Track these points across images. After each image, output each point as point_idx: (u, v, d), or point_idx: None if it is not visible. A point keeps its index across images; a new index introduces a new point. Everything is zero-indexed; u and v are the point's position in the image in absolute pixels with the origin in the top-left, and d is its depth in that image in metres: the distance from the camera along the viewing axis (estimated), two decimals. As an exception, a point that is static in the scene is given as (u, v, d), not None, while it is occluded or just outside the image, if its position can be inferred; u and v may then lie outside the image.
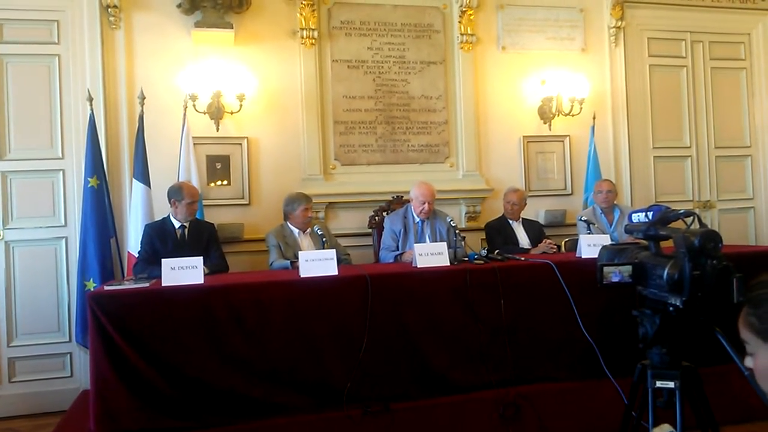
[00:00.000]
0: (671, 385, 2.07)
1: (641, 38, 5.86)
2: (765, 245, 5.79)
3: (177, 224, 4.06)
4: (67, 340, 4.44)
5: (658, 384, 2.08)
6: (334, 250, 3.47)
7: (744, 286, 1.87)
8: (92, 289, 3.90)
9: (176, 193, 4.05)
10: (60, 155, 4.51)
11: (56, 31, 4.52)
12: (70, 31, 4.53)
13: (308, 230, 4.39)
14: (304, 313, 3.18)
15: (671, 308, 1.97)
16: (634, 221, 2.23)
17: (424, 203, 4.38)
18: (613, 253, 2.25)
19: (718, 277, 1.88)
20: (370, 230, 4.96)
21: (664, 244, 2.17)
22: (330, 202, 4.99)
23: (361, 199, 5.03)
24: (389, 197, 5.00)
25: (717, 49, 6.10)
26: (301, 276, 3.27)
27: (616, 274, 2.07)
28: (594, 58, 5.68)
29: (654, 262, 2.05)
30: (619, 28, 5.69)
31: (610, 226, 4.81)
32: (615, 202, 4.94)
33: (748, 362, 1.19)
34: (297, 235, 4.37)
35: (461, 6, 5.28)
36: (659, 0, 5.87)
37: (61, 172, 4.51)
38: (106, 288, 3.13)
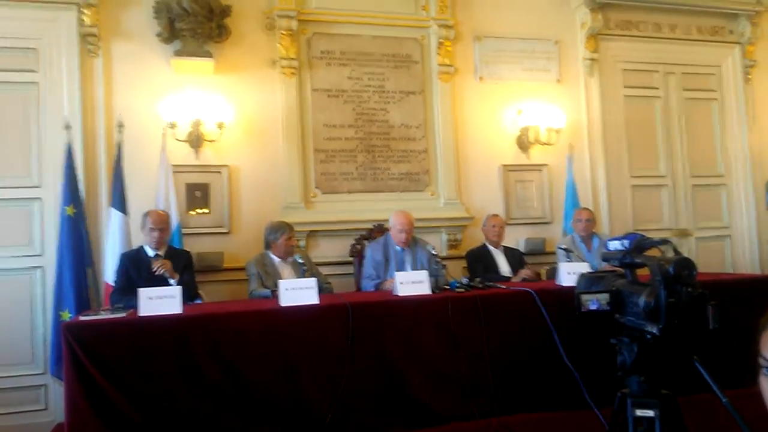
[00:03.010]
0: (651, 413, 2.07)
1: (616, 70, 5.99)
2: (741, 273, 5.87)
3: (151, 252, 4.01)
4: (42, 372, 4.34)
5: (638, 413, 2.08)
6: (315, 279, 3.45)
7: (719, 314, 1.89)
8: (67, 320, 3.83)
9: (142, 219, 4.04)
10: (37, 183, 4.46)
11: (34, 59, 4.50)
12: (48, 59, 4.51)
13: (289, 259, 4.37)
14: (284, 343, 3.15)
15: (648, 336, 1.98)
16: (611, 249, 2.25)
17: (402, 232, 4.39)
18: (590, 281, 2.26)
19: (693, 305, 1.90)
20: (351, 259, 4.94)
21: (640, 272, 2.19)
22: (311, 231, 4.98)
23: (342, 228, 5.02)
24: (370, 225, 5.01)
25: (689, 80, 6.25)
26: (282, 305, 3.24)
27: (593, 301, 2.08)
28: (569, 88, 5.80)
29: (630, 290, 2.07)
30: (593, 59, 5.81)
31: (589, 253, 4.85)
32: (593, 231, 4.99)
33: None
34: (277, 263, 4.34)
35: (439, 37, 5.38)
36: (632, 33, 6.03)
37: (37, 201, 4.46)
38: (82, 318, 3.07)
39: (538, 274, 4.76)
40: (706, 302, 1.90)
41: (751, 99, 6.34)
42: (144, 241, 4.06)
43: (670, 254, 2.05)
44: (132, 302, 3.28)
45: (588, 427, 3.22)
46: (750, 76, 6.35)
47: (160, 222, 4.04)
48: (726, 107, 6.34)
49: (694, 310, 1.90)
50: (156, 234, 3.99)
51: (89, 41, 4.57)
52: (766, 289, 3.91)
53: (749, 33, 6.29)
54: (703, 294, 1.91)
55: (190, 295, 4.01)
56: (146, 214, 4.06)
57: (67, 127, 4.20)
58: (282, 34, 4.98)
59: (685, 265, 1.91)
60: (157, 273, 3.84)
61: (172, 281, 3.83)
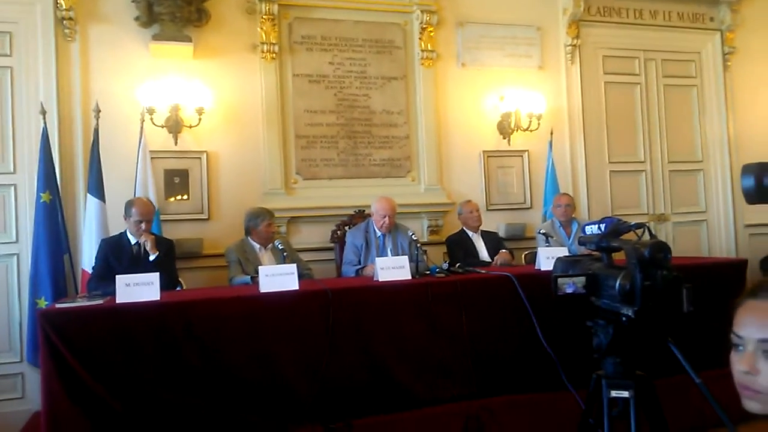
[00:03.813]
0: (626, 394, 2.09)
1: (596, 56, 6.02)
2: (717, 257, 5.96)
3: (133, 240, 3.97)
4: (19, 360, 4.29)
5: (613, 393, 2.10)
6: (295, 265, 3.45)
7: (693, 296, 1.91)
8: (44, 307, 3.78)
9: (127, 208, 3.98)
10: (11, 170, 4.39)
11: (8, 43, 4.41)
12: (23, 43, 4.42)
13: (269, 245, 4.35)
14: (264, 329, 3.13)
15: (624, 318, 1.99)
16: (588, 233, 2.26)
17: (385, 217, 4.39)
18: (567, 265, 2.27)
19: (668, 288, 1.91)
20: (332, 244, 4.94)
21: (616, 255, 2.21)
22: (292, 217, 4.96)
23: (323, 214, 5.01)
24: (351, 211, 5.00)
25: (669, 66, 6.30)
26: (261, 291, 3.23)
27: (570, 285, 2.09)
28: (551, 74, 5.81)
29: (606, 273, 2.08)
30: (574, 46, 5.83)
31: (569, 238, 4.90)
32: (573, 216, 5.04)
33: (740, 359, 1.09)
34: (258, 250, 4.32)
35: (422, 23, 5.35)
36: (614, 19, 6.06)
37: (12, 187, 4.38)
38: (58, 306, 3.03)
39: (512, 255, 4.78)
40: (681, 285, 1.91)
41: (730, 86, 6.41)
42: (127, 229, 4.00)
43: (646, 238, 2.07)
44: (110, 289, 3.24)
45: (565, 408, 3.25)
46: (729, 63, 6.41)
47: (146, 213, 3.97)
48: (705, 94, 6.40)
49: (669, 293, 1.92)
50: (144, 226, 3.93)
51: (65, 25, 4.48)
52: (740, 273, 3.98)
53: (729, 20, 6.34)
54: (678, 277, 1.93)
55: (171, 283, 3.99)
56: (131, 204, 3.98)
57: (43, 112, 4.12)
58: (263, 18, 4.92)
59: (660, 248, 1.93)
60: (140, 241, 3.88)
61: (152, 256, 3.85)
